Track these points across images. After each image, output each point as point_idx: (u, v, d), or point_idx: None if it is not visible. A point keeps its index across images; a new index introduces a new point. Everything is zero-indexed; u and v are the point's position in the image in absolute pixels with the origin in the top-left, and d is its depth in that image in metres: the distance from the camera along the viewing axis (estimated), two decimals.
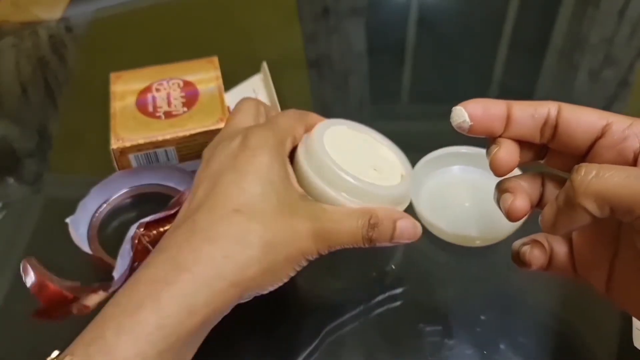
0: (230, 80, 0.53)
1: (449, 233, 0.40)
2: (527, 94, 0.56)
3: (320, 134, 0.35)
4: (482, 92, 0.56)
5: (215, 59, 0.51)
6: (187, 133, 0.44)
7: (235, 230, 0.29)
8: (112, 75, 0.49)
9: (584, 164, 0.24)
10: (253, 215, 0.30)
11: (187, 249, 0.29)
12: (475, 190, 0.43)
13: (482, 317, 0.37)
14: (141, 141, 0.44)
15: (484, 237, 0.40)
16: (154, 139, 0.44)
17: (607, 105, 0.54)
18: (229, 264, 0.29)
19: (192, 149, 0.45)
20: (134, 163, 0.45)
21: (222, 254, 0.29)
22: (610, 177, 0.23)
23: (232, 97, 0.49)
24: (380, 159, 0.37)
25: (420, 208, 0.40)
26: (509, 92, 0.56)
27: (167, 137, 0.44)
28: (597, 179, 0.23)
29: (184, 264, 0.28)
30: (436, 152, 0.44)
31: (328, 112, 0.57)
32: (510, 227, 0.38)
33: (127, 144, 0.43)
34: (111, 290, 0.35)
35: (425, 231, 0.39)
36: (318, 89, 0.58)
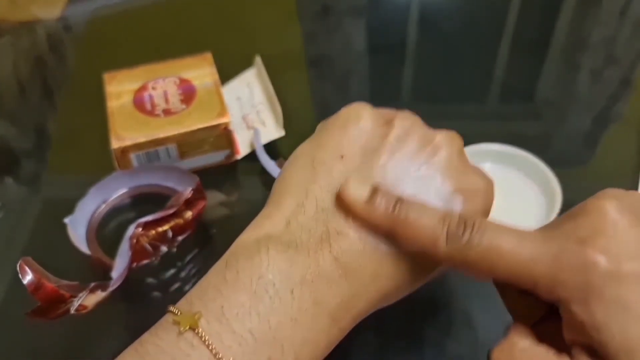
0: (230, 79, 0.53)
1: None
2: (528, 93, 0.56)
3: None
4: (483, 91, 0.55)
5: (209, 55, 0.50)
6: (188, 130, 0.44)
7: None
8: (107, 76, 0.49)
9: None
10: None
11: None
12: (504, 188, 0.42)
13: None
14: (142, 140, 0.43)
15: None
16: (155, 137, 0.44)
17: (609, 104, 0.53)
18: None
19: (193, 146, 0.45)
20: (134, 162, 0.44)
21: None
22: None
23: (226, 93, 0.48)
24: None
25: None
26: (510, 92, 0.56)
27: (168, 134, 0.44)
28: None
29: None
30: (468, 149, 0.43)
31: (328, 111, 0.57)
32: (538, 226, 0.38)
33: (128, 143, 0.43)
34: (109, 290, 0.34)
35: None
36: (318, 89, 0.58)
